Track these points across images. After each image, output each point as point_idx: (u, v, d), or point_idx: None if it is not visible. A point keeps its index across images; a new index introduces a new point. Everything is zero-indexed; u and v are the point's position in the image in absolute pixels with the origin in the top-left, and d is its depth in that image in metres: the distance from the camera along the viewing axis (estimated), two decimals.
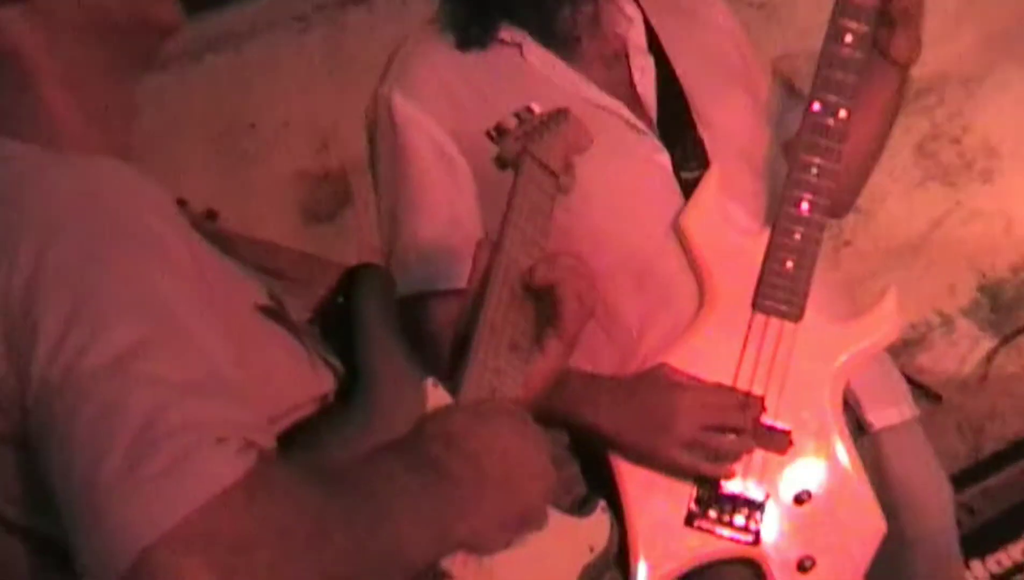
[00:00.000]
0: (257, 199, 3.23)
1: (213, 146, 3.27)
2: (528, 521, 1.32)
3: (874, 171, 3.08)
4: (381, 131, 2.03)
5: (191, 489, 1.04)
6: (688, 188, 1.99)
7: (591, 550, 1.46)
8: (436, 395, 1.39)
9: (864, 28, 1.93)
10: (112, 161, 1.22)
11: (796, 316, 1.94)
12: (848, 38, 1.92)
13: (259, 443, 1.10)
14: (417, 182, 2.00)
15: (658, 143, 2.01)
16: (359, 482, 1.17)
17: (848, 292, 2.25)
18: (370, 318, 1.44)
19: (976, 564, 2.51)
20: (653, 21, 2.09)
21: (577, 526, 1.46)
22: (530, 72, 2.01)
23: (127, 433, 1.05)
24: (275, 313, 1.34)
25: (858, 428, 2.05)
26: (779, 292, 1.94)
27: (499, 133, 1.60)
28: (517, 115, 1.63)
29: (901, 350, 3.10)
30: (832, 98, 1.92)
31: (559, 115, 1.66)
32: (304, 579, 1.07)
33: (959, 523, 2.44)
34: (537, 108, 1.65)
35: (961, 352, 3.18)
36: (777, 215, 1.96)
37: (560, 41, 2.01)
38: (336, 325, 1.44)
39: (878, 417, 2.07)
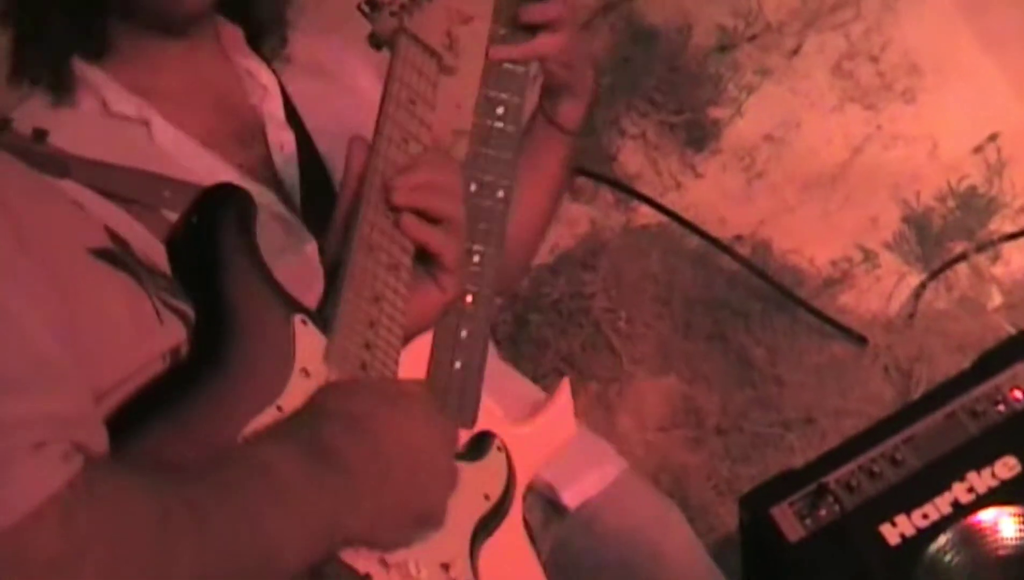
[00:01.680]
0: None
1: None
2: (426, 522, 1.25)
3: (789, 95, 3.19)
4: None
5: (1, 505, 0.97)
6: None
7: (487, 498, 1.39)
8: (306, 334, 1.31)
9: (516, 99, 1.80)
10: None
11: (469, 422, 1.77)
12: (500, 110, 1.80)
13: (86, 442, 1.03)
14: None
15: (305, 232, 1.81)
16: (223, 479, 1.10)
17: (515, 376, 2.17)
18: (228, 246, 1.34)
19: (901, 519, 2.39)
20: (290, 88, 1.91)
21: (469, 474, 1.37)
22: (157, 156, 1.77)
23: None
24: (112, 256, 1.26)
25: (555, 512, 1.98)
26: (449, 397, 1.76)
27: (371, 6, 1.54)
28: None
29: (822, 289, 3.07)
30: (488, 177, 1.80)
31: None
32: None
33: (882, 475, 2.38)
34: None
35: (886, 289, 3.11)
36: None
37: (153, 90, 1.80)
38: (188, 255, 1.36)
39: (574, 496, 1.99)
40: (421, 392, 1.32)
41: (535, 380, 2.35)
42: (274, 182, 1.83)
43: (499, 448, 1.43)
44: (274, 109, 1.88)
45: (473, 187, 1.80)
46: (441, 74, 1.54)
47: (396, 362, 1.37)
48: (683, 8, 3.16)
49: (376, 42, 1.55)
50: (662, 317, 3.01)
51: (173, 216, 1.48)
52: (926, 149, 3.14)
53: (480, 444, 1.46)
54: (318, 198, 1.84)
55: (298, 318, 1.31)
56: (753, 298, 3.02)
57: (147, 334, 1.25)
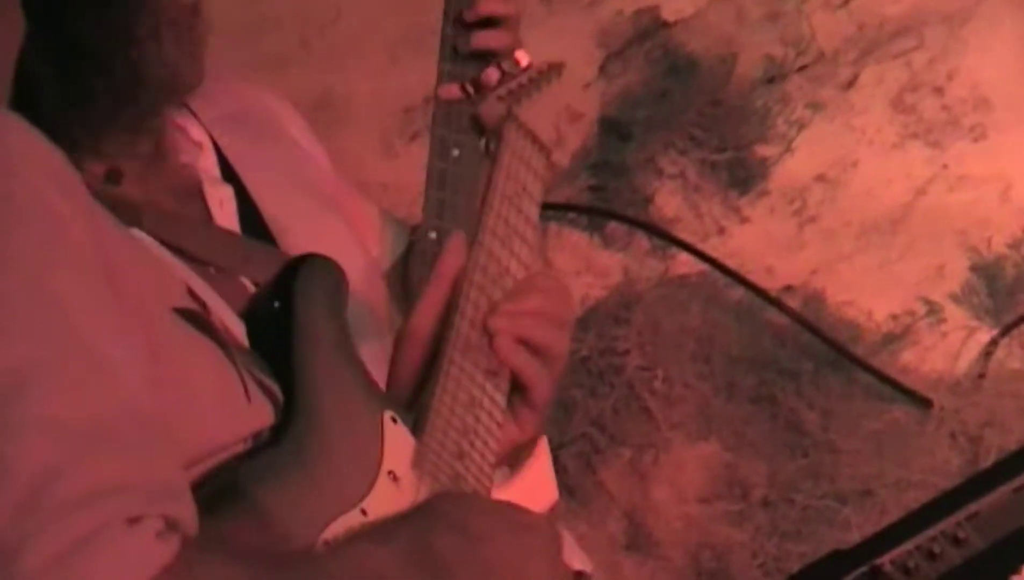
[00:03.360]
0: None
1: None
2: None
3: (844, 131, 3.17)
4: None
5: None
6: None
7: None
8: (395, 434, 1.32)
9: (474, 138, 1.80)
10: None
11: None
12: (455, 152, 1.86)
13: (179, 518, 1.02)
14: None
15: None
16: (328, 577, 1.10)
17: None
18: (315, 328, 1.35)
19: None
20: (222, 143, 1.89)
21: None
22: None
23: (7, 502, 0.96)
24: (196, 318, 1.26)
25: None
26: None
27: (477, 88, 1.56)
28: (499, 65, 1.57)
29: (881, 347, 3.04)
30: (447, 224, 1.86)
31: (552, 71, 1.60)
32: None
33: (942, 556, 2.28)
34: (525, 59, 1.60)
35: (953, 347, 3.07)
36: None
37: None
38: (269, 331, 1.36)
39: None
40: (547, 529, 1.30)
41: (561, 447, 2.28)
42: None
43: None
44: (209, 167, 1.86)
45: (432, 235, 1.85)
46: (548, 174, 1.55)
47: (491, 478, 1.38)
48: (726, 35, 3.13)
49: (478, 127, 1.54)
50: (703, 377, 2.99)
51: (252, 285, 1.49)
52: (997, 191, 3.11)
53: None
54: None
55: (388, 415, 1.32)
56: (804, 356, 2.99)
57: (233, 412, 1.24)
